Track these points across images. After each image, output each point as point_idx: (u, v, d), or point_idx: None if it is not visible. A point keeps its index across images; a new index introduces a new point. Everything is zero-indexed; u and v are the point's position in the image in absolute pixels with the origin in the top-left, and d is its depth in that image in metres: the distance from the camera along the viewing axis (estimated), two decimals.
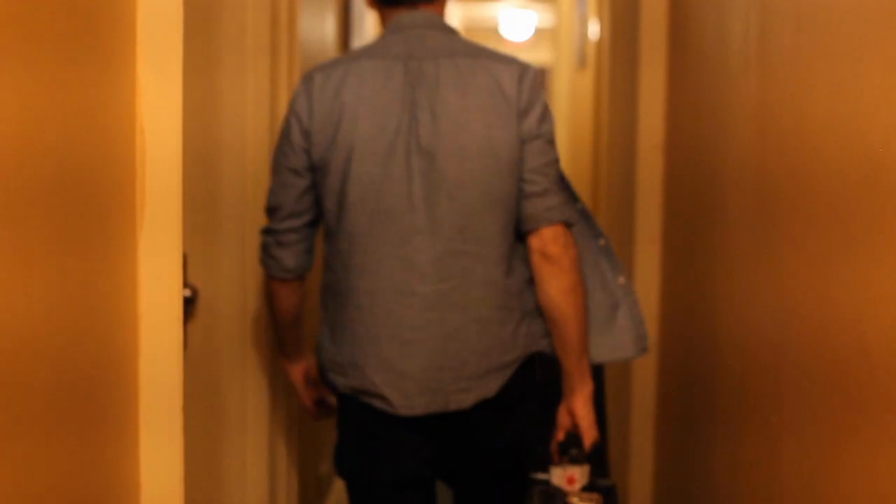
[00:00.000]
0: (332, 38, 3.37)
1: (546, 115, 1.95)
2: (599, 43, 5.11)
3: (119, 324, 1.21)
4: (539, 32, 12.48)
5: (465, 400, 1.93)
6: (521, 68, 1.95)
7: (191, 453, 2.28)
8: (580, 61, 6.34)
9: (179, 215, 1.29)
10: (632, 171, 2.99)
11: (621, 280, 2.04)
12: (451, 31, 2.01)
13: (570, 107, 7.28)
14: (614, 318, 2.04)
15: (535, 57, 12.87)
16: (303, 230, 2.02)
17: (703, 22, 2.33)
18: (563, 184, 1.97)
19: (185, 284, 2.05)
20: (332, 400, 2.23)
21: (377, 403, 1.94)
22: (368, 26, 4.29)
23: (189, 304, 2.16)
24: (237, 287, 2.28)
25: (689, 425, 2.42)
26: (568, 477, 1.98)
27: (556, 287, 1.93)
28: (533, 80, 1.94)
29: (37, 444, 0.99)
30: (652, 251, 2.87)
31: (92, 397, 1.13)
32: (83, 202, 1.09)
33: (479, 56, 1.95)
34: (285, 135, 1.98)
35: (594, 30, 5.42)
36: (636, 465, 2.96)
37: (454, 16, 11.04)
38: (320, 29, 3.13)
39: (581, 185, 6.16)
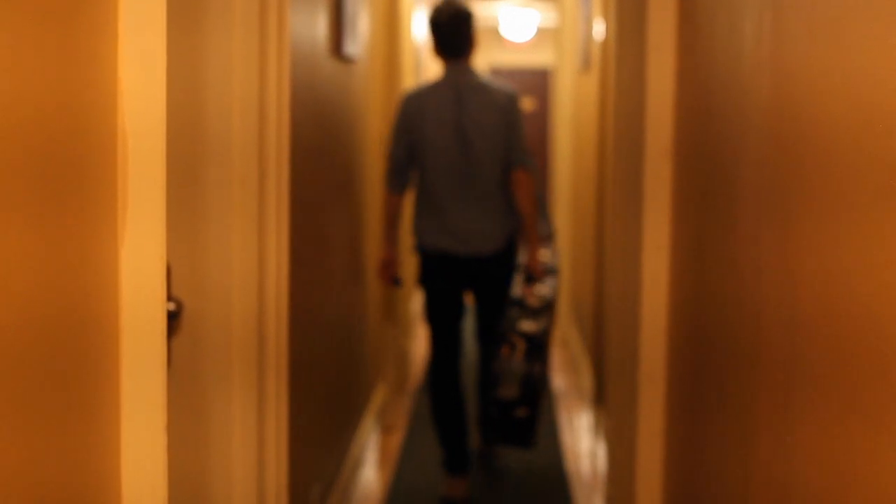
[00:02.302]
0: (322, 37, 3.37)
1: (519, 116, 4.25)
2: (604, 44, 5.12)
3: (99, 339, 1.20)
4: (541, 32, 12.50)
5: (487, 251, 4.23)
6: (508, 94, 4.24)
7: (176, 475, 2.27)
8: (584, 63, 6.34)
9: (163, 225, 1.28)
10: (639, 177, 2.98)
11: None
12: (474, 73, 4.26)
13: (574, 110, 7.28)
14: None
15: (537, 58, 12.88)
16: (406, 170, 4.28)
17: (713, 20, 2.33)
18: (526, 150, 4.25)
19: (169, 298, 2.04)
20: (401, 275, 4.71)
21: (447, 250, 4.21)
22: (362, 27, 4.29)
23: (173, 319, 2.15)
24: (224, 300, 2.27)
25: (699, 422, 2.42)
26: (525, 291, 4.30)
27: (520, 198, 4.22)
28: (513, 99, 4.25)
29: (13, 440, 0.98)
30: (660, 259, 2.87)
31: (72, 398, 1.12)
32: (62, 204, 1.08)
33: (488, 87, 4.25)
34: (398, 122, 4.24)
35: (599, 30, 5.43)
36: (644, 453, 2.96)
37: None
38: (311, 29, 3.13)
39: (586, 190, 6.16)
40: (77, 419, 1.15)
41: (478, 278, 4.28)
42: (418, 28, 7.49)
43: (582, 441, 5.12)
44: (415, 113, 4.19)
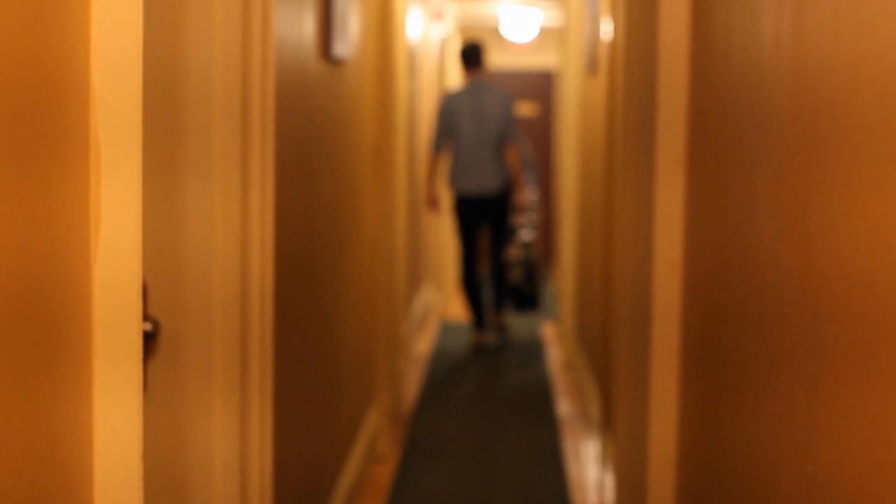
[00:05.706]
0: (310, 38, 3.38)
1: (514, 110, 7.92)
2: (613, 44, 5.13)
3: (70, 344, 1.20)
4: (545, 33, 12.53)
5: (492, 192, 7.86)
6: (506, 95, 7.95)
7: None
8: (591, 65, 6.35)
9: (139, 239, 1.28)
10: (650, 188, 2.99)
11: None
12: (485, 81, 8.01)
13: (580, 115, 7.29)
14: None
15: (540, 60, 12.90)
16: (443, 141, 7.89)
17: (729, 18, 2.33)
18: (518, 130, 7.99)
19: (146, 318, 2.04)
20: (442, 205, 8.60)
21: (466, 192, 7.91)
22: (352, 27, 4.30)
23: (150, 340, 2.15)
24: (203, 320, 2.27)
25: (714, 449, 2.41)
26: (517, 220, 8.29)
27: (511, 159, 7.86)
28: (510, 98, 7.92)
29: None
30: (672, 274, 2.87)
31: (39, 413, 1.12)
32: (30, 197, 1.08)
33: (494, 89, 7.94)
34: (441, 112, 7.89)
35: (607, 30, 5.44)
36: (655, 484, 2.95)
37: (450, 16, 11.07)
38: (297, 30, 3.14)
39: (592, 201, 6.17)
40: (45, 440, 1.14)
41: (489, 209, 7.82)
42: (412, 27, 7.51)
43: (588, 471, 5.11)
44: (451, 106, 7.73)
